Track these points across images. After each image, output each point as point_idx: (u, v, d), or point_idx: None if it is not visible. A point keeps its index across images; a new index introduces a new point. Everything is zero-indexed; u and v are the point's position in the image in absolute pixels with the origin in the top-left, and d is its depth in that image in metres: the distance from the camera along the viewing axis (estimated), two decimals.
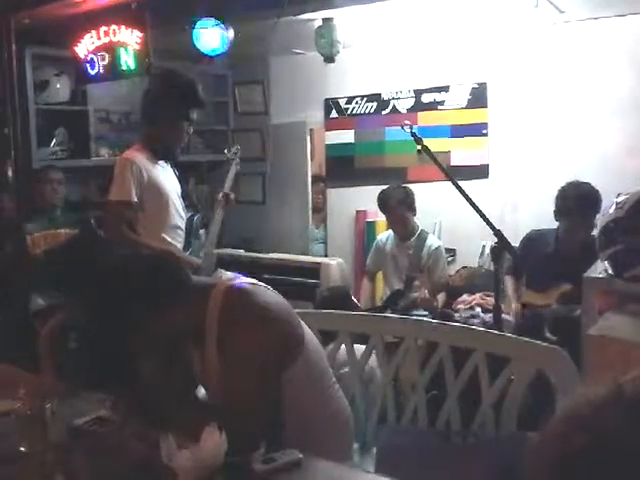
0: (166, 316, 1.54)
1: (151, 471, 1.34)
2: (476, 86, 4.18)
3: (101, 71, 3.62)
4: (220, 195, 3.24)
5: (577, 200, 3.01)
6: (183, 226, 3.00)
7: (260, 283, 1.64)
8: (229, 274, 1.68)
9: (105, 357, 1.80)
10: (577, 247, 2.98)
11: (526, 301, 3.16)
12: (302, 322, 1.66)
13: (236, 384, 1.49)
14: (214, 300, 1.55)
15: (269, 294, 1.61)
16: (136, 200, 2.76)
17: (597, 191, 3.01)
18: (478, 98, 4.18)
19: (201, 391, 1.71)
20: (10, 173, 3.65)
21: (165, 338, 1.58)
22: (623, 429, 0.70)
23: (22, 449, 1.47)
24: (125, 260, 1.61)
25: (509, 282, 3.29)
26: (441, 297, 3.58)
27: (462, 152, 4.24)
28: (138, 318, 1.53)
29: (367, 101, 4.58)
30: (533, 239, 3.26)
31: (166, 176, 2.91)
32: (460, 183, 2.68)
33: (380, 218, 4.27)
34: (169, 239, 2.88)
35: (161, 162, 2.90)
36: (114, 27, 3.42)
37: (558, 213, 3.11)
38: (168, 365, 1.66)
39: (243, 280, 1.62)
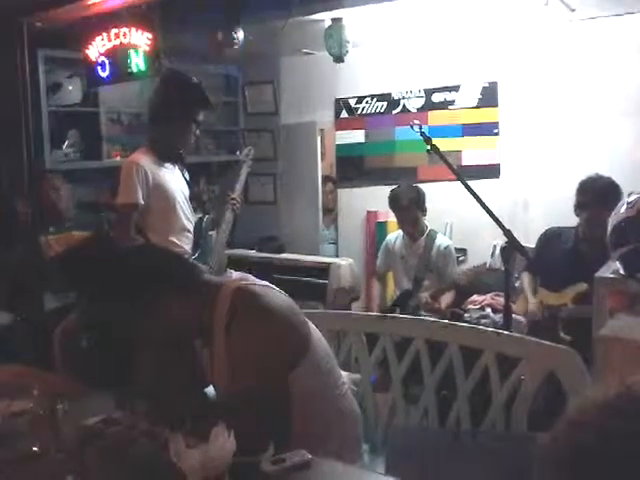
0: (176, 313, 1.55)
1: (160, 471, 1.35)
2: (487, 85, 4.16)
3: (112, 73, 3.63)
4: (230, 197, 3.25)
5: (596, 192, 2.97)
6: (191, 228, 3.00)
7: (268, 284, 1.64)
8: (238, 274, 1.68)
9: (115, 355, 1.81)
10: (596, 244, 2.92)
11: (541, 300, 3.13)
12: (310, 323, 1.67)
13: (243, 384, 1.50)
14: (222, 300, 1.56)
15: (277, 295, 1.61)
16: (142, 203, 2.77)
17: (617, 185, 2.97)
18: (489, 97, 4.16)
19: (210, 390, 1.71)
20: (24, 176, 3.69)
21: (174, 335, 1.60)
22: (630, 429, 0.70)
23: (35, 449, 1.49)
24: (137, 257, 1.62)
25: (526, 278, 3.24)
26: (446, 298, 3.55)
27: (473, 151, 4.22)
28: (149, 314, 1.54)
29: (377, 101, 4.57)
30: (551, 236, 3.21)
31: (173, 178, 2.92)
32: (471, 183, 2.67)
33: (391, 219, 4.27)
34: (177, 241, 2.89)
35: (168, 164, 2.91)
36: (124, 29, 3.43)
37: (578, 207, 3.07)
38: (177, 363, 1.67)
39: (251, 281, 1.63)
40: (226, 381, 1.58)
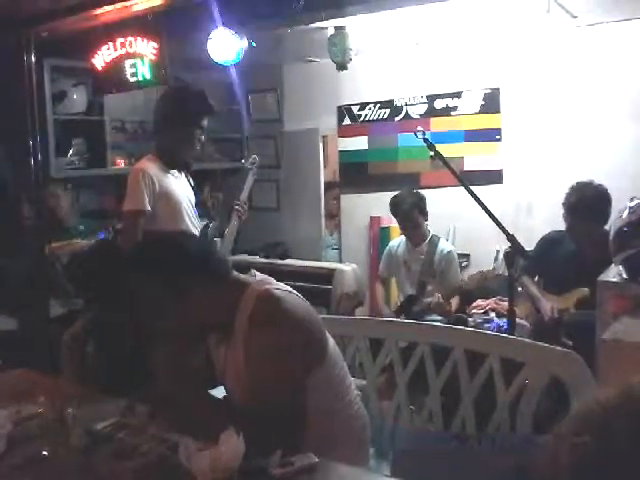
0: (198, 306, 1.56)
1: (169, 473, 1.36)
2: (489, 91, 4.19)
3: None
4: (235, 204, 3.28)
5: (569, 207, 3.00)
6: (197, 234, 3.02)
7: (292, 290, 1.66)
8: (262, 276, 1.69)
9: (124, 359, 1.82)
10: (598, 248, 2.92)
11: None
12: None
13: (261, 388, 1.52)
14: (246, 300, 1.57)
15: (299, 302, 1.62)
16: (149, 209, 2.80)
17: (601, 192, 2.97)
18: (491, 103, 4.18)
19: (220, 390, 1.73)
20: (30, 184, 3.72)
21: (192, 325, 1.60)
22: (633, 430, 0.71)
23: (44, 453, 1.51)
24: (170, 247, 1.62)
25: (528, 282, 3.25)
26: (454, 301, 3.57)
27: (475, 157, 4.24)
28: (172, 306, 1.55)
29: (380, 107, 4.59)
30: (553, 240, 3.21)
31: (178, 185, 2.94)
32: (474, 188, 2.68)
33: (394, 224, 4.28)
34: None
35: (173, 171, 2.94)
36: (130, 38, 3.47)
37: (564, 213, 3.10)
38: (189, 359, 1.67)
39: (275, 285, 1.64)
40: (242, 383, 1.59)
